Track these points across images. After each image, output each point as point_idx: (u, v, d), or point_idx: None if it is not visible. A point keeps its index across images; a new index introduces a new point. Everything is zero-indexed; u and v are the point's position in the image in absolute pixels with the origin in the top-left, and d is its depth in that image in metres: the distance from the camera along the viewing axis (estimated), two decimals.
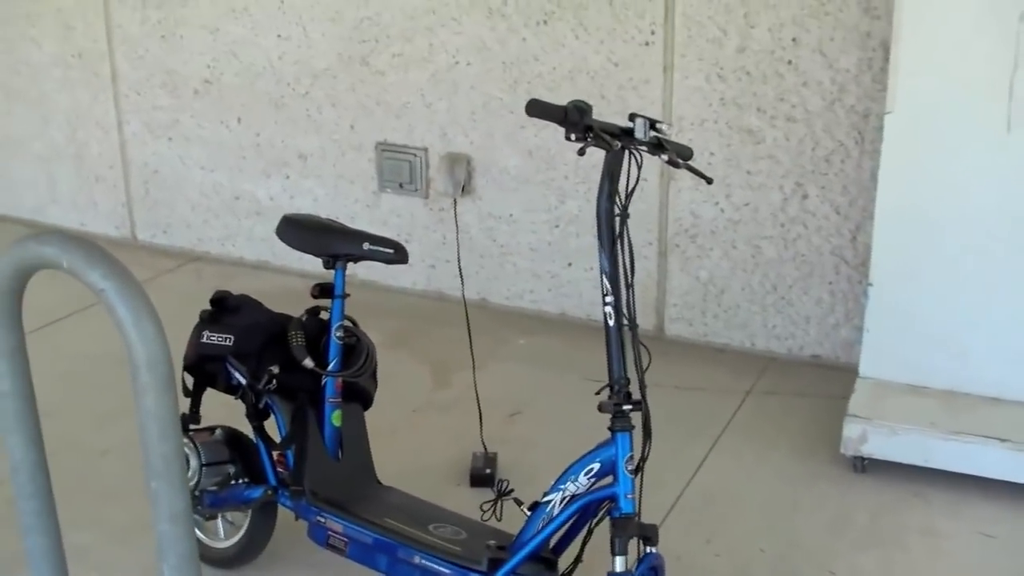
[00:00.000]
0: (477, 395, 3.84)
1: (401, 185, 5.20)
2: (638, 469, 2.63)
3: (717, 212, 4.64)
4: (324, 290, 3.08)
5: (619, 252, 2.61)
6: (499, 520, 3.14)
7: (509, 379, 4.48)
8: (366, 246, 3.02)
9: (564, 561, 2.85)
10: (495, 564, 2.74)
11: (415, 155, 5.13)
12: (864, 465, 3.86)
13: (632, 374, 2.64)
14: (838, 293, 4.55)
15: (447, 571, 2.78)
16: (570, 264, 4.97)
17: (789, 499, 3.76)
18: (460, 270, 4.26)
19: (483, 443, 3.85)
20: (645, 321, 4.80)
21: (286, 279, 5.39)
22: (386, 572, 2.91)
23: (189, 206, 5.80)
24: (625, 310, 2.64)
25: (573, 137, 2.57)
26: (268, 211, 5.54)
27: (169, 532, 2.07)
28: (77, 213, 6.11)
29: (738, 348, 4.78)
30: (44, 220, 6.14)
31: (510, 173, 4.97)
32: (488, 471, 3.78)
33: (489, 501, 3.23)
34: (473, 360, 3.91)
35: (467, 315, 3.91)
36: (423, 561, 2.82)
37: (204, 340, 3.09)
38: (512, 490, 3.18)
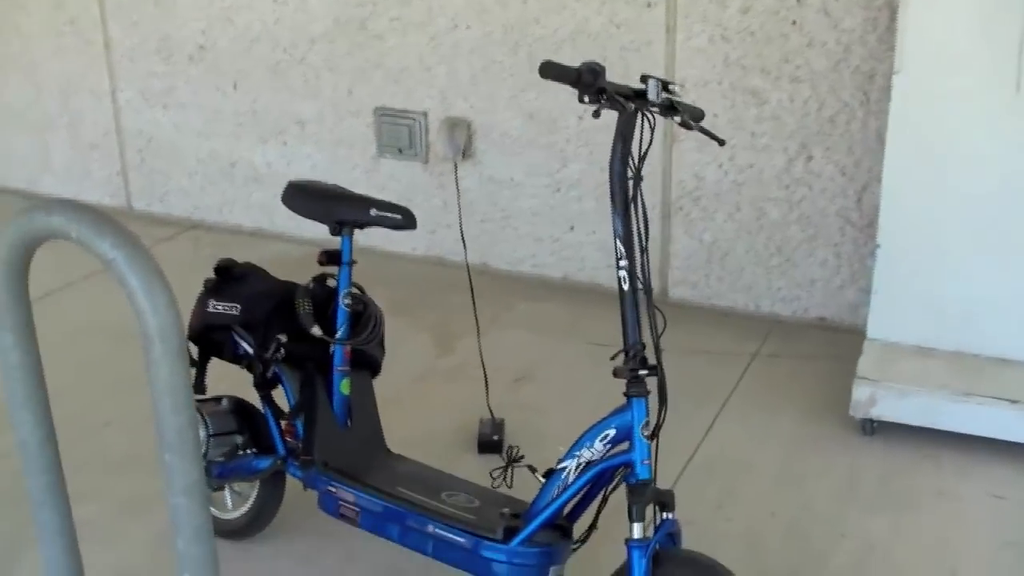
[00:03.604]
0: (483, 361, 3.81)
1: (400, 150, 5.15)
2: (654, 435, 2.60)
3: (721, 174, 4.60)
4: (331, 257, 3.03)
5: (632, 215, 2.57)
6: (510, 487, 3.10)
7: (513, 345, 4.45)
8: (373, 212, 2.96)
9: (578, 528, 2.82)
10: (510, 532, 2.70)
11: (414, 120, 5.08)
12: (873, 428, 3.84)
13: (647, 339, 2.60)
14: (843, 255, 4.51)
15: (461, 540, 2.75)
16: (572, 228, 4.93)
17: (799, 463, 3.74)
18: (462, 235, 4.20)
19: (490, 409, 3.82)
20: None
21: (285, 246, 5.35)
22: (398, 541, 2.87)
23: (185, 174, 5.74)
24: (640, 274, 2.59)
25: (587, 99, 2.52)
26: (266, 178, 5.49)
27: (183, 505, 2.03)
28: (72, 183, 6.05)
29: (742, 311, 4.75)
30: (38, 190, 6.09)
31: (511, 137, 4.92)
32: (496, 437, 3.75)
33: (499, 468, 3.19)
34: (477, 326, 3.88)
35: (471, 281, 3.87)
36: (437, 530, 2.78)
37: (210, 309, 3.04)
38: (522, 456, 3.15)
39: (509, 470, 3.16)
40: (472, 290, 3.85)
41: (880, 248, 3.85)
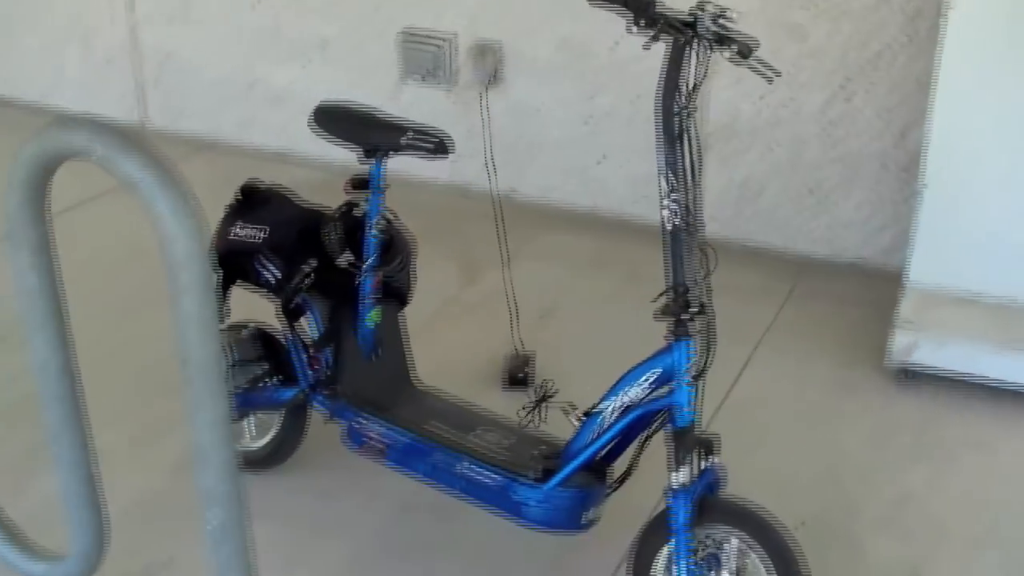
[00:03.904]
0: (510, 294, 3.68)
1: (424, 75, 5.00)
2: (698, 378, 2.49)
3: (756, 111, 4.46)
4: (358, 184, 2.90)
5: (679, 148, 2.43)
6: (540, 424, 3.00)
7: (539, 277, 4.32)
8: (408, 137, 2.83)
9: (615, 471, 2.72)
10: (545, 474, 2.60)
11: (440, 44, 4.92)
12: (910, 376, 3.72)
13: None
14: (881, 197, 4.38)
15: (494, 480, 2.64)
16: (602, 159, 4.79)
17: (833, 409, 3.63)
18: (490, 164, 4.07)
19: (517, 343, 3.70)
20: None
21: (305, 170, 5.20)
22: (427, 479, 2.77)
23: (203, 92, 5.59)
24: (689, 210, 2.48)
25: (639, 26, 2.37)
26: (286, 99, 5.34)
27: (209, 441, 1.92)
28: (85, 98, 5.90)
29: (774, 251, 4.62)
30: (50, 105, 5.94)
31: (541, 64, 4.76)
32: (523, 373, 3.64)
33: (528, 404, 3.09)
34: (505, 257, 3.75)
35: (498, 211, 3.74)
36: (468, 469, 2.67)
37: (234, 233, 2.91)
38: (555, 392, 3.05)
39: (540, 407, 3.07)
40: (500, 221, 3.72)
41: (924, 190, 3.71)
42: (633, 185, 4.69)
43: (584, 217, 4.89)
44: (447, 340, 3.92)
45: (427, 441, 2.75)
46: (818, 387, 3.74)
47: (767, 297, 4.26)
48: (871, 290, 4.27)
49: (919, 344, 3.66)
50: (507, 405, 3.26)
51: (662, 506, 2.92)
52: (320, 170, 5.06)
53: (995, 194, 3.63)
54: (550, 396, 3.04)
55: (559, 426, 2.86)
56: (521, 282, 3.92)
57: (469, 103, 4.93)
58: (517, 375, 3.63)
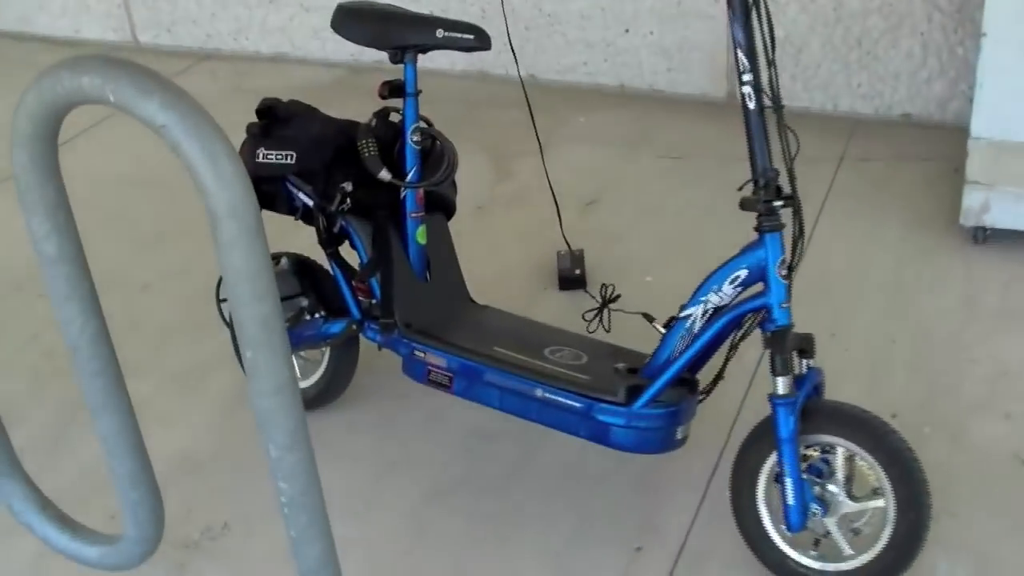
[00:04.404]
0: (551, 186, 3.42)
1: None
2: (790, 274, 2.25)
3: None
4: (394, 89, 2.63)
5: (755, 22, 2.18)
6: (607, 331, 2.78)
7: (576, 163, 4.08)
8: (440, 33, 2.55)
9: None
10: (633, 393, 2.36)
11: None
12: (986, 235, 3.49)
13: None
14: (931, 44, 4.10)
15: (577, 405, 2.41)
16: (627, 30, 4.50)
17: (910, 278, 3.40)
18: (510, 45, 3.77)
19: (566, 240, 3.45)
20: (716, 87, 4.40)
21: (311, 71, 4.92)
22: (500, 408, 2.54)
23: (193, 1, 5.29)
24: (768, 89, 2.23)
25: None
26: None
27: (273, 407, 1.69)
28: (69, 19, 5.61)
29: (820, 111, 4.36)
30: (33, 30, 5.65)
31: None
32: (577, 272, 3.41)
33: (592, 310, 2.86)
34: (540, 147, 3.48)
35: (527, 95, 3.46)
36: (547, 394, 2.44)
37: (260, 159, 2.65)
38: (618, 296, 2.83)
39: (604, 312, 2.84)
40: (530, 105, 3.42)
41: (985, 37, 3.42)
42: (662, 55, 4.42)
43: (613, 94, 4.63)
44: (493, 241, 3.69)
45: (496, 368, 2.51)
46: (891, 254, 3.51)
47: (819, 162, 4.00)
48: (928, 144, 4.03)
49: (991, 202, 3.41)
50: (566, 308, 3.05)
51: (749, 408, 2.74)
52: (329, 68, 4.78)
53: None
54: (612, 300, 2.81)
55: (625, 333, 2.67)
56: (559, 170, 3.66)
57: None
58: (571, 274, 3.39)
